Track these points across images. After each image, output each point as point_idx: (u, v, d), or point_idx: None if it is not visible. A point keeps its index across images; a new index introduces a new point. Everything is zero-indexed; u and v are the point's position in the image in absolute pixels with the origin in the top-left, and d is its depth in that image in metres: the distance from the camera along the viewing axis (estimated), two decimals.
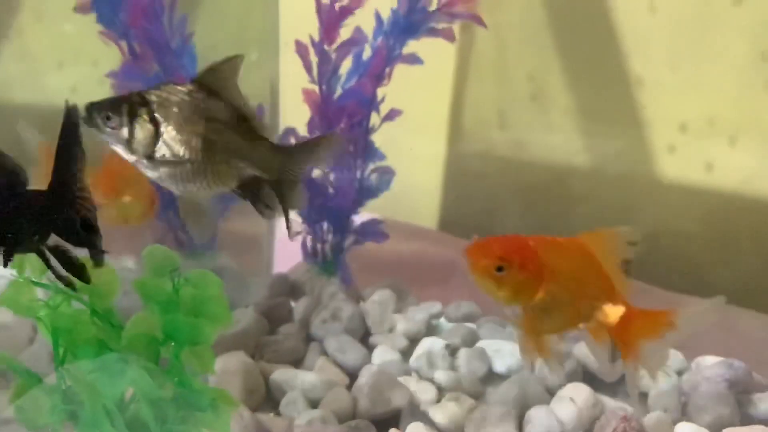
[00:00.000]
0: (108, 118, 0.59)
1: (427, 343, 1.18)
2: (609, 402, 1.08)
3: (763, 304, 1.52)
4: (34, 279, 0.67)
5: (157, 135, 0.59)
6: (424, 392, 1.08)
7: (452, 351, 1.18)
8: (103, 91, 1.29)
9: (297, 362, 1.15)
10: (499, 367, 1.16)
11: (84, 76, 1.56)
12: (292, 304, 1.28)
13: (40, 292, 0.69)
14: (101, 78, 1.23)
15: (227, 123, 0.60)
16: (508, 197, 1.87)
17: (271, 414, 1.02)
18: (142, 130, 0.59)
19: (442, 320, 1.32)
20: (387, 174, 1.26)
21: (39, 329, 0.67)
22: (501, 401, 1.05)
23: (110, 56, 1.23)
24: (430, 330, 1.27)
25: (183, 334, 0.68)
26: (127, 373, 0.67)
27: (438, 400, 1.08)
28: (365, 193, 1.27)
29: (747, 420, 1.06)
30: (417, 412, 1.04)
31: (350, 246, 1.32)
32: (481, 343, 1.21)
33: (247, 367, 1.06)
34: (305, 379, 1.07)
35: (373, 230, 1.29)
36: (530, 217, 1.84)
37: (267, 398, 1.07)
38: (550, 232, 1.91)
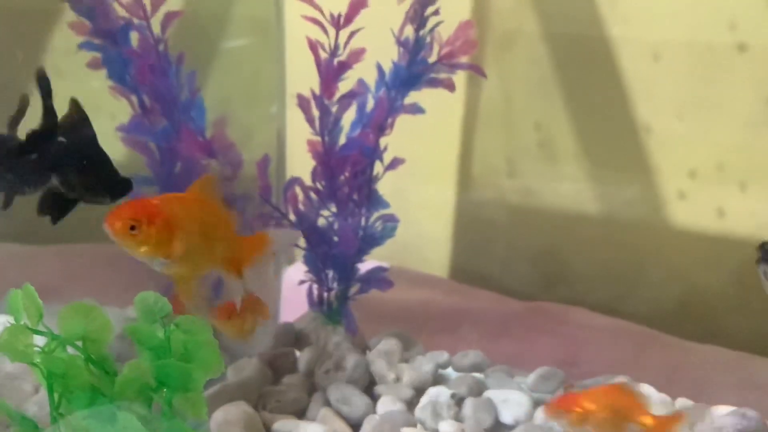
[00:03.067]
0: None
1: (433, 393, 1.17)
2: None
3: None
4: (30, 325, 0.68)
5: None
6: None
7: (458, 401, 1.16)
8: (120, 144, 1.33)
9: (300, 413, 1.13)
10: (507, 417, 1.14)
11: (103, 129, 1.61)
12: (297, 353, 1.28)
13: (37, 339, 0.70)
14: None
15: None
16: (519, 245, 1.87)
17: None
18: None
19: (449, 370, 1.31)
20: (391, 221, 1.27)
21: (34, 375, 0.68)
22: None
23: (128, 109, 1.27)
24: (437, 379, 1.25)
25: (174, 380, 0.68)
26: (118, 420, 0.67)
27: None
28: (369, 241, 1.27)
29: None
30: None
31: (355, 294, 1.32)
32: (488, 393, 1.19)
33: (249, 418, 1.05)
34: (307, 430, 1.06)
35: (378, 278, 1.28)
36: (542, 264, 1.83)
37: None
38: (566, 281, 1.89)
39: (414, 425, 1.12)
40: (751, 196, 1.65)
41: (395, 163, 1.23)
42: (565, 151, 1.84)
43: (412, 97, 1.20)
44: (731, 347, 1.49)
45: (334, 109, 1.16)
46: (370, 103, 1.21)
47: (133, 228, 0.80)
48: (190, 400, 0.70)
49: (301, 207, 1.25)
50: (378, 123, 1.19)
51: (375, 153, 1.20)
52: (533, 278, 1.82)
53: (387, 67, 1.18)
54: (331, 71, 1.13)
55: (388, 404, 1.15)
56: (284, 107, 1.51)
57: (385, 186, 1.30)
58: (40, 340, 0.70)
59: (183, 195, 0.93)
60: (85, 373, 0.67)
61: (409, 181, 1.88)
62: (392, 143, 1.26)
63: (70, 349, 0.69)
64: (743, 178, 1.66)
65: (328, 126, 1.17)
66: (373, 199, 1.24)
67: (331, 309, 1.33)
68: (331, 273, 1.31)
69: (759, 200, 1.64)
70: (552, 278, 1.81)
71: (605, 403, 0.94)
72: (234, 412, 1.04)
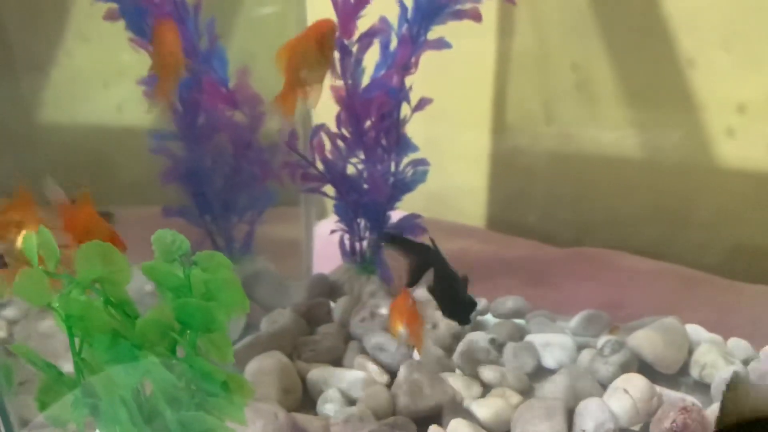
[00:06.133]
0: None
1: (472, 339, 1.13)
2: (668, 393, 1.00)
3: None
4: (46, 269, 0.66)
5: None
6: (468, 388, 1.03)
7: (498, 346, 1.12)
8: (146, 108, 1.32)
9: (335, 362, 1.11)
10: (549, 361, 1.10)
11: (129, 94, 1.60)
12: (332, 304, 1.25)
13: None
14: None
15: None
16: (557, 192, 1.80)
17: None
18: None
19: (489, 316, 1.27)
20: (422, 166, 1.22)
21: (54, 319, 0.66)
22: (549, 395, 0.99)
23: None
24: (476, 326, 1.22)
25: (196, 320, 0.65)
26: (140, 363, 0.65)
27: (482, 397, 1.02)
28: (401, 187, 1.23)
29: None
30: (459, 409, 0.99)
31: None
32: (529, 338, 1.15)
33: (284, 367, 1.03)
34: (343, 377, 1.04)
35: (411, 225, 1.25)
36: (582, 210, 1.77)
37: (304, 398, 1.04)
38: (607, 226, 1.83)
39: (453, 371, 1.09)
40: None
41: (423, 103, 1.18)
42: (604, 92, 1.75)
43: (442, 34, 1.14)
44: None
45: (354, 48, 1.11)
46: (393, 42, 1.16)
47: None
48: (214, 341, 0.68)
49: (328, 155, 1.22)
50: (402, 62, 1.14)
51: (401, 94, 1.16)
52: (573, 225, 1.76)
53: (408, 2, 1.12)
54: (348, 8, 1.07)
55: (425, 351, 1.12)
56: None
57: (417, 136, 1.26)
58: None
59: None
60: (104, 315, 0.65)
61: (442, 129, 1.82)
62: (424, 90, 1.21)
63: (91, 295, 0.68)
64: None
65: (349, 68, 1.12)
66: (401, 143, 1.20)
67: (364, 259, 1.30)
68: (362, 222, 1.28)
69: None
70: (593, 224, 1.75)
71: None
72: (268, 362, 1.03)
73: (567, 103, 1.79)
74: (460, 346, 1.12)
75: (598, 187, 1.76)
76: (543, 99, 1.81)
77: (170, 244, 0.66)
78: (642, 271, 1.49)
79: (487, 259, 1.56)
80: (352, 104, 1.15)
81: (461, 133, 1.87)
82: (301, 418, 0.96)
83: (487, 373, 1.06)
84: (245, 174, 1.21)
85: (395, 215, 1.29)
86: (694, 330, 1.15)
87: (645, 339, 1.07)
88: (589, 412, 0.93)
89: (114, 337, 0.66)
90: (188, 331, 0.68)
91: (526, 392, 1.03)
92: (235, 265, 1.29)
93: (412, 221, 1.26)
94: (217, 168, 1.21)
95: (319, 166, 1.22)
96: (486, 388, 1.04)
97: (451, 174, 1.85)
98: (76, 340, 0.67)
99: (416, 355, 1.07)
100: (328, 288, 1.32)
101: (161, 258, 0.66)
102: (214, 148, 1.20)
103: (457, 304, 1.00)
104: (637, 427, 0.96)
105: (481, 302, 1.27)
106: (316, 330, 1.18)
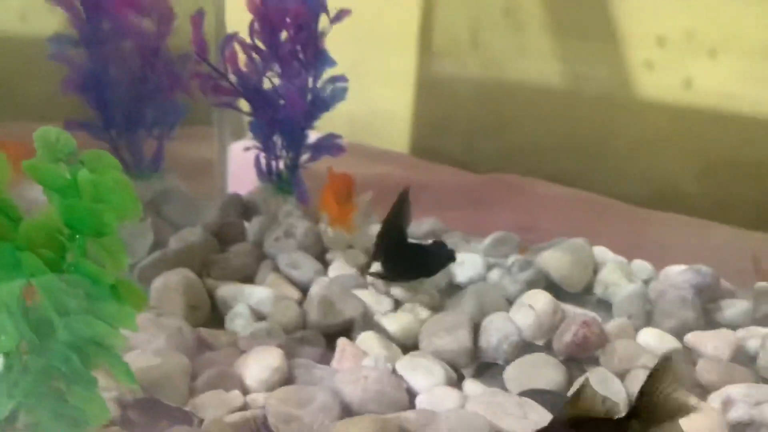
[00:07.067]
0: None
1: None
2: (571, 309, 1.03)
3: (737, 217, 1.48)
4: None
5: None
6: (380, 304, 1.04)
7: None
8: (54, 18, 1.22)
9: (247, 280, 1.09)
10: (461, 278, 1.12)
11: (32, 2, 1.49)
12: (246, 224, 1.23)
13: None
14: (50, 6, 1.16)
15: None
16: (481, 120, 1.81)
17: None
18: None
19: None
20: (341, 82, 1.19)
21: None
22: (457, 310, 1.00)
23: None
24: None
25: (85, 224, 0.62)
26: (24, 266, 0.61)
27: (393, 312, 1.03)
28: (319, 104, 1.20)
29: (713, 326, 1.02)
30: (370, 323, 1.00)
31: (306, 162, 1.26)
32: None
33: (191, 283, 1.01)
34: (253, 293, 1.03)
35: (329, 144, 1.22)
36: (504, 138, 1.78)
37: (213, 315, 1.02)
38: (527, 154, 1.85)
39: (366, 288, 1.09)
40: (720, 65, 1.60)
41: (341, 14, 1.14)
42: (530, 20, 1.74)
43: None
44: (694, 215, 1.48)
45: None
46: None
47: None
48: (106, 246, 0.65)
49: (242, 67, 1.17)
50: None
51: (318, 3, 1.11)
52: (494, 152, 1.77)
53: None
54: None
55: (339, 269, 1.12)
56: None
57: (343, 58, 1.21)
58: None
59: None
60: None
61: (368, 52, 1.79)
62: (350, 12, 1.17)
63: None
64: (713, 47, 1.59)
65: None
66: (319, 58, 1.16)
67: (280, 178, 1.27)
68: (279, 140, 1.24)
69: (728, 69, 1.59)
70: (514, 152, 1.77)
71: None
72: (174, 278, 1.00)
73: (494, 30, 1.77)
74: (374, 265, 1.12)
75: (520, 115, 1.77)
76: (470, 24, 1.79)
77: (54, 142, 0.62)
78: (556, 198, 1.53)
79: (408, 183, 1.55)
80: (265, 12, 1.09)
81: (387, 56, 1.83)
82: (208, 333, 0.94)
83: (398, 289, 1.06)
84: (152, 85, 1.15)
85: (314, 135, 1.26)
86: (601, 251, 1.18)
87: (552, 258, 1.10)
88: (495, 325, 0.95)
89: None
90: (78, 236, 0.65)
91: (437, 308, 1.05)
92: (144, 182, 1.25)
93: (330, 141, 1.24)
94: (121, 78, 1.14)
95: (232, 79, 1.17)
96: (398, 305, 1.05)
97: (376, 99, 1.82)
98: None
99: (344, 236, 1.08)
100: (243, 208, 1.29)
101: (45, 157, 0.62)
102: (119, 56, 1.13)
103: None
104: (540, 341, 0.98)
105: None
106: (229, 249, 1.15)
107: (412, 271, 1.02)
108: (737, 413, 0.82)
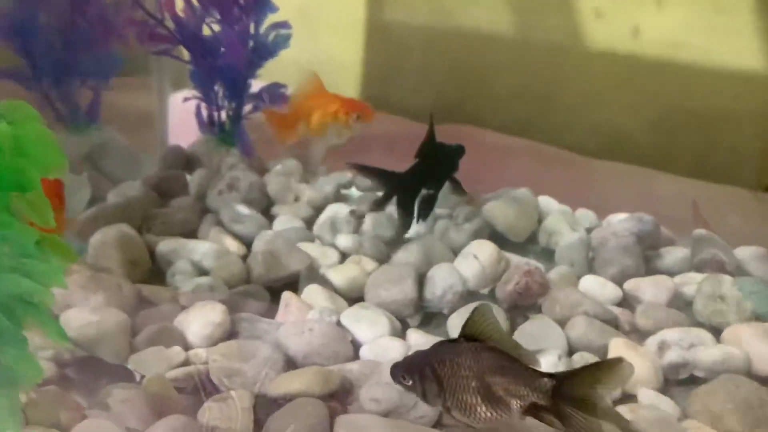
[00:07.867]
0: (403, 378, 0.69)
1: (332, 210, 1.12)
2: (515, 258, 1.04)
3: (682, 167, 1.50)
4: None
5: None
6: (326, 257, 1.03)
7: (359, 217, 1.12)
8: None
9: (189, 234, 1.07)
10: (409, 231, 1.11)
11: None
12: (188, 177, 1.20)
13: None
14: None
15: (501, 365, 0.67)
16: (430, 68, 1.78)
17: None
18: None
19: (353, 190, 1.26)
20: (284, 29, 1.15)
21: None
22: (403, 262, 1.00)
23: None
24: (339, 199, 1.21)
25: (5, 178, 0.59)
26: None
27: (340, 264, 1.03)
28: (261, 52, 1.16)
29: (653, 272, 1.04)
30: (315, 276, 0.99)
31: (249, 113, 1.23)
32: (389, 209, 1.15)
33: (129, 238, 0.98)
34: (195, 248, 1.01)
35: (273, 93, 1.19)
36: (453, 88, 1.77)
37: (154, 270, 1.00)
38: (477, 103, 1.83)
39: (312, 241, 1.08)
40: (667, 12, 1.60)
41: None
42: None
43: None
44: (641, 165, 1.50)
45: None
46: None
47: None
48: (31, 201, 0.62)
49: (179, 13, 1.12)
50: None
51: None
52: (443, 102, 1.76)
53: None
54: None
55: (285, 222, 1.11)
56: None
57: (288, 4, 1.17)
58: None
59: None
60: None
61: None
62: None
63: None
64: None
65: None
66: (260, 3, 1.12)
67: (223, 130, 1.24)
68: (220, 90, 1.21)
69: (674, 16, 1.59)
70: (463, 102, 1.75)
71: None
72: (112, 233, 0.97)
73: None
74: (321, 218, 1.11)
75: (470, 65, 1.75)
76: None
77: None
78: (504, 148, 1.53)
79: (357, 135, 1.53)
80: None
81: (335, 2, 1.78)
82: (148, 289, 0.93)
83: (344, 241, 1.06)
84: (85, 32, 1.10)
85: (258, 84, 1.23)
86: (545, 201, 1.19)
87: (497, 209, 1.10)
88: (440, 276, 0.96)
89: None
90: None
91: (384, 260, 1.04)
92: (81, 135, 1.20)
93: (275, 90, 1.21)
94: (51, 24, 1.08)
95: (170, 25, 1.12)
96: (344, 257, 1.05)
97: (324, 46, 1.78)
98: None
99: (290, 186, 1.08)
100: (185, 160, 1.25)
101: None
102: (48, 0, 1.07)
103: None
104: (485, 290, 0.99)
105: (346, 177, 1.26)
106: (170, 203, 1.13)
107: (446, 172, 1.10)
108: (671, 356, 0.85)
